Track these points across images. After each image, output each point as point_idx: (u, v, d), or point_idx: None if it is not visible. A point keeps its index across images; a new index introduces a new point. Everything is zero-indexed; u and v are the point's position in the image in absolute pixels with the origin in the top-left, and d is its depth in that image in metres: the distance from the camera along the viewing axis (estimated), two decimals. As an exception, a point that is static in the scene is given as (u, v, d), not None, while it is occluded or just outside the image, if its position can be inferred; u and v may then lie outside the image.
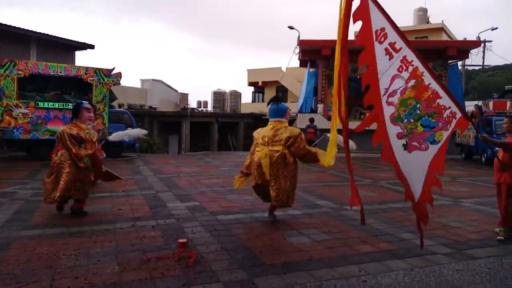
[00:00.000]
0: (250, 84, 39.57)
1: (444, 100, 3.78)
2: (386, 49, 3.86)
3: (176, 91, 34.56)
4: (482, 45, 27.05)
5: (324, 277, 3.60)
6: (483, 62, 29.06)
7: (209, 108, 34.22)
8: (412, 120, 3.86)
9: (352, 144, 5.33)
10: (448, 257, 4.24)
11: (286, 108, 5.72)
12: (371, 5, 3.86)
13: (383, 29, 3.86)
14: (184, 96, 34.27)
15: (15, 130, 12.77)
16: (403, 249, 4.44)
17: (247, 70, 39.17)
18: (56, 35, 17.70)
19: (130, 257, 3.99)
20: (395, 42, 3.84)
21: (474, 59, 29.33)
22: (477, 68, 33.21)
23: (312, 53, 20.16)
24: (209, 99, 35.36)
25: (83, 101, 6.19)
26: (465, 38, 23.73)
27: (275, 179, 5.24)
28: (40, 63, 13.55)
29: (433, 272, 3.83)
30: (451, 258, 4.19)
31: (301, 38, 20.05)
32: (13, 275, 3.49)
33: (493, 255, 4.35)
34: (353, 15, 3.88)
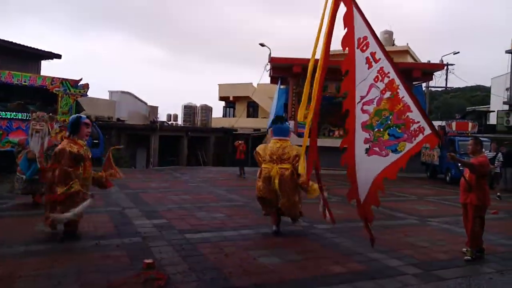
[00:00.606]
0: (221, 98, 39.54)
1: (414, 114, 3.88)
2: (367, 58, 3.95)
3: (146, 103, 34.07)
4: (446, 68, 28.20)
5: (294, 300, 3.54)
6: (446, 84, 30.27)
7: (179, 122, 33.86)
8: (381, 129, 3.99)
9: None
10: (417, 278, 4.27)
11: (289, 128, 6.29)
12: (355, 13, 3.94)
13: (365, 37, 3.94)
14: (154, 109, 33.82)
15: (-25, 139, 12.17)
16: (374, 270, 4.45)
17: (218, 84, 39.16)
18: (21, 43, 17.08)
19: (93, 278, 3.82)
20: (375, 52, 3.94)
21: (438, 80, 30.60)
22: (440, 89, 34.53)
23: (283, 70, 20.42)
24: (179, 112, 35.04)
25: (81, 116, 5.80)
26: (429, 61, 24.66)
27: (286, 194, 5.68)
28: (3, 71, 13.02)
29: (403, 294, 3.82)
30: (420, 279, 4.22)
31: (272, 55, 20.27)
32: (-37, 299, 3.26)
33: (461, 275, 4.42)
34: (342, 19, 3.96)
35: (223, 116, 39.79)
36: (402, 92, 3.90)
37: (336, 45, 4.04)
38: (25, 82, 13.05)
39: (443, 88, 32.63)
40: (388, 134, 3.96)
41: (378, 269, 4.48)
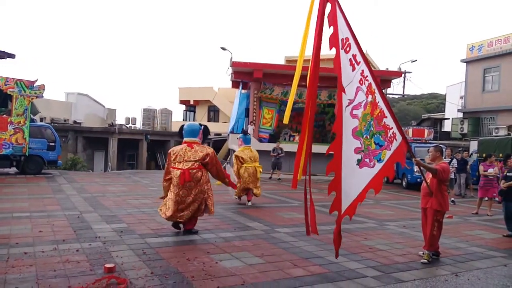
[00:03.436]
0: (182, 102, 39.19)
1: (389, 120, 3.85)
2: (350, 59, 3.86)
3: (103, 106, 33.24)
4: (403, 75, 29.45)
5: (257, 302, 3.62)
6: (404, 91, 31.56)
7: (138, 125, 33.26)
8: (368, 137, 3.88)
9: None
10: (376, 280, 4.44)
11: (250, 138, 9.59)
12: (338, 13, 3.85)
13: (347, 38, 3.84)
14: (112, 112, 33.05)
15: None
16: (334, 272, 4.59)
17: (179, 88, 38.78)
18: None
19: (52, 283, 3.77)
20: (356, 55, 3.85)
21: (395, 88, 31.80)
22: (397, 96, 35.92)
23: (244, 75, 20.61)
24: (138, 115, 34.41)
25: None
26: (387, 68, 25.68)
27: (257, 180, 9.39)
28: (-49, 69, 12.41)
29: (362, 295, 3.97)
30: (380, 282, 4.40)
31: (233, 60, 20.41)
32: None
33: (418, 278, 4.62)
34: (327, 18, 3.80)
35: (183, 120, 39.42)
36: (378, 97, 3.82)
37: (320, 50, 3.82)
38: (-24, 81, 12.49)
39: (400, 95, 34.01)
40: (374, 142, 3.84)
41: (338, 271, 4.63)
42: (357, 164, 3.88)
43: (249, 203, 9.22)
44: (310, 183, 4.05)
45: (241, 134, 10.10)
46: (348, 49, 3.86)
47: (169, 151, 6.32)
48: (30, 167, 14.06)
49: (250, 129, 20.49)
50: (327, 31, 3.94)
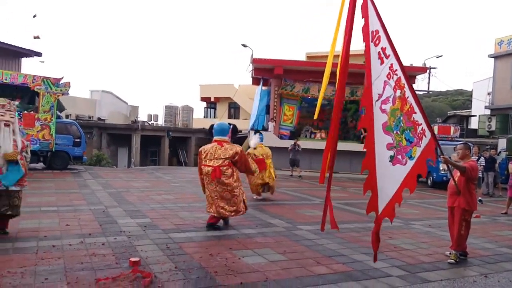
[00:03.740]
0: (203, 99, 39.47)
1: (418, 116, 3.73)
2: (378, 53, 3.77)
3: (126, 103, 33.78)
4: (428, 71, 28.82)
5: (281, 299, 3.60)
6: (428, 88, 30.89)
7: (160, 122, 33.68)
8: (398, 132, 3.76)
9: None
10: (402, 279, 4.36)
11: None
12: (370, 5, 3.79)
13: (377, 31, 3.76)
14: (134, 109, 33.56)
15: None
16: (358, 271, 4.53)
17: (200, 85, 39.09)
18: (1, 41, 16.82)
19: (79, 276, 3.85)
20: (385, 48, 3.75)
21: (420, 84, 31.11)
22: (421, 93, 35.23)
23: (265, 71, 20.59)
24: (159, 112, 34.85)
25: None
26: (412, 64, 25.23)
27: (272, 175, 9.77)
28: (-16, 68, 12.85)
29: (388, 295, 3.90)
30: (405, 281, 4.31)
31: (254, 57, 20.39)
32: (-49, 295, 3.27)
33: (445, 278, 4.50)
34: (361, 8, 3.77)
35: (204, 117, 39.71)
36: (408, 92, 3.70)
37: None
38: (6, 79, 12.88)
39: (425, 92, 33.30)
40: (405, 138, 3.73)
41: (362, 270, 4.57)
42: (390, 161, 3.77)
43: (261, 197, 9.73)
44: (330, 179, 4.01)
45: (254, 132, 10.67)
46: (377, 42, 3.78)
47: (200, 150, 6.51)
48: (56, 163, 14.43)
49: (271, 126, 20.46)
50: (358, 26, 3.89)
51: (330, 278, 4.27)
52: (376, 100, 3.80)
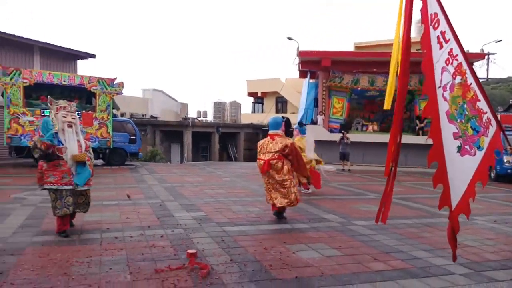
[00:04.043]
0: (250, 94, 39.73)
1: (482, 103, 3.50)
2: (437, 37, 3.57)
3: (176, 101, 34.74)
4: (486, 57, 27.15)
5: (338, 295, 3.54)
6: (487, 75, 29.08)
7: (209, 118, 34.36)
8: (463, 121, 3.54)
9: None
10: (466, 278, 4.13)
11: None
12: None
13: (436, 14, 3.56)
14: (184, 106, 34.43)
15: (22, 137, 12.88)
16: (418, 268, 4.35)
17: (247, 80, 39.34)
18: (58, 44, 17.86)
19: (141, 266, 4.01)
20: (445, 32, 3.54)
21: (478, 71, 29.29)
22: (480, 80, 33.19)
23: (312, 64, 20.28)
24: (208, 109, 35.56)
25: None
26: (468, 51, 23.92)
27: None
28: (44, 71, 13.69)
29: (452, 294, 3.72)
30: (470, 280, 4.08)
31: (300, 49, 20.14)
32: (30, 280, 3.54)
33: None
34: None
35: (251, 112, 40.00)
36: (470, 79, 3.49)
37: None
38: (64, 81, 13.65)
39: (484, 79, 31.33)
40: (471, 127, 3.51)
41: (423, 267, 4.38)
42: (457, 152, 3.55)
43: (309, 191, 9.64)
44: (395, 172, 3.83)
45: (297, 125, 10.47)
46: (436, 25, 3.56)
47: (257, 144, 6.80)
48: (114, 159, 15.16)
49: (320, 119, 20.17)
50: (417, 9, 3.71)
51: (389, 275, 4.12)
52: (438, 87, 3.60)
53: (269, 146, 6.41)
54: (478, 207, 8.62)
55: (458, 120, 3.55)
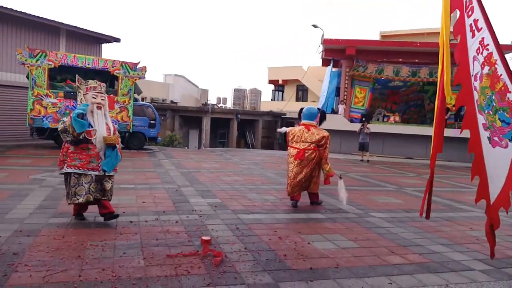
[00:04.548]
0: (271, 82, 39.47)
1: None
2: (470, 25, 3.49)
3: (197, 86, 34.81)
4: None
5: (353, 288, 3.49)
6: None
7: (229, 104, 34.35)
8: (491, 112, 3.45)
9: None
10: (485, 274, 4.02)
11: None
12: None
13: (470, 1, 3.48)
14: (205, 92, 34.49)
15: (44, 119, 13.10)
16: (436, 263, 4.25)
17: (268, 68, 39.07)
18: (84, 28, 17.98)
19: (154, 251, 4.01)
20: (478, 20, 3.44)
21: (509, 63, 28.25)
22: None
23: (336, 52, 19.96)
24: (228, 95, 35.50)
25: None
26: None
27: None
28: (69, 54, 13.81)
29: (471, 290, 3.63)
30: (490, 276, 3.96)
31: (325, 37, 19.81)
32: (44, 261, 3.56)
33: None
34: None
35: (271, 100, 39.78)
36: (500, 69, 3.35)
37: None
38: (88, 64, 13.76)
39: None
40: (499, 119, 3.38)
41: (441, 262, 4.28)
42: (489, 143, 3.43)
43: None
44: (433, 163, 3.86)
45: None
46: (470, 12, 3.44)
47: (287, 131, 6.80)
48: (133, 143, 15.30)
49: (341, 108, 19.90)
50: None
51: (406, 268, 4.03)
52: (472, 75, 3.50)
53: (304, 136, 6.48)
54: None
55: (486, 111, 3.44)
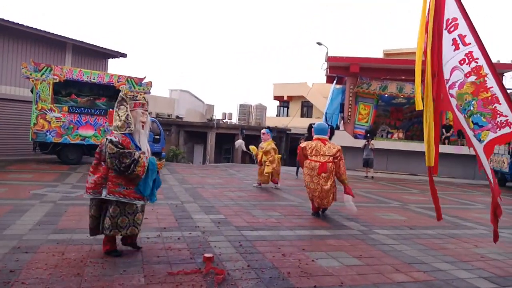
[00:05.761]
0: (276, 98, 39.60)
1: (503, 107, 3.80)
2: (454, 39, 3.91)
3: (203, 102, 34.96)
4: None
5: (357, 306, 3.42)
6: (520, 86, 28.05)
7: (234, 120, 34.41)
8: (465, 116, 3.93)
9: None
10: None
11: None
12: None
13: (455, 18, 3.91)
14: (210, 107, 34.61)
15: (48, 133, 13.12)
16: (441, 281, 4.18)
17: (273, 84, 39.24)
18: (91, 43, 18.17)
19: (155, 269, 3.95)
20: (465, 35, 3.87)
21: (508, 82, 28.38)
22: (510, 91, 32.16)
23: (340, 69, 20.06)
24: (233, 111, 35.58)
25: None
26: (499, 61, 23.11)
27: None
28: (75, 69, 13.92)
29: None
30: None
31: (329, 55, 19.94)
32: (41, 279, 3.50)
33: None
34: None
35: (276, 116, 39.85)
36: (491, 82, 3.82)
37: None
38: (94, 79, 13.86)
39: (513, 90, 30.40)
40: (472, 122, 3.90)
41: (446, 280, 4.21)
42: (477, 140, 3.99)
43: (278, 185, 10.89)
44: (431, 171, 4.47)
45: (267, 128, 11.32)
46: (452, 28, 3.89)
47: (303, 146, 7.12)
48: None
49: (341, 124, 19.91)
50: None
51: (410, 286, 3.96)
52: (447, 85, 4.00)
53: (322, 149, 6.88)
54: (503, 219, 8.21)
55: (462, 115, 3.94)
